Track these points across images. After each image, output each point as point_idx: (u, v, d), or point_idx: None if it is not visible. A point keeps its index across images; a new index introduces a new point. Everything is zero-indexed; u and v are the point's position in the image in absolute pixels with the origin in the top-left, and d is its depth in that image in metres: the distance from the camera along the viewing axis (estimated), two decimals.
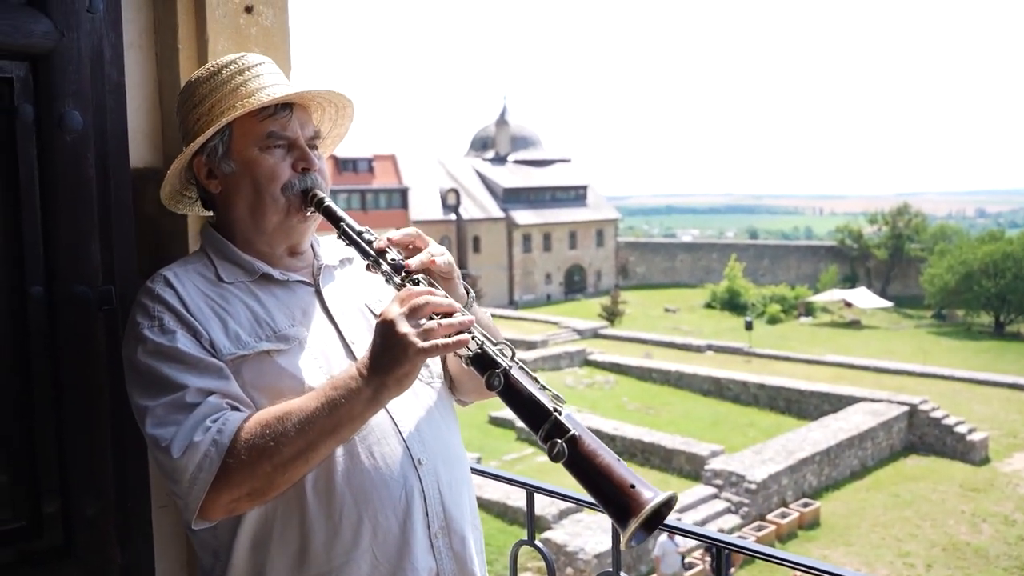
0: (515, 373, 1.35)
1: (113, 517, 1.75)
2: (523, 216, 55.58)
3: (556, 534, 15.33)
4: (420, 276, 1.46)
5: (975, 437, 22.13)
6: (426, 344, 1.31)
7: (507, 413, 23.72)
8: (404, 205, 49.87)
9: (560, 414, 1.31)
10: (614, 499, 1.26)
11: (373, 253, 1.51)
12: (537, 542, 2.04)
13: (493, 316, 1.95)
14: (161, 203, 1.71)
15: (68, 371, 1.69)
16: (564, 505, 16.52)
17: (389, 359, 1.32)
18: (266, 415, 1.38)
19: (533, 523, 2.11)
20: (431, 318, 1.35)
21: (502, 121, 61.51)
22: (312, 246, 1.69)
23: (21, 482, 1.68)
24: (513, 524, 15.77)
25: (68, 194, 1.67)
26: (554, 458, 1.28)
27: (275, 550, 1.44)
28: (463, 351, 1.36)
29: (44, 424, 1.69)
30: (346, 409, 1.34)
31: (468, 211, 53.32)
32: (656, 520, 1.27)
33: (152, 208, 1.88)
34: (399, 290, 1.42)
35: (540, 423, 1.31)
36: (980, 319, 44.44)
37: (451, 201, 52.75)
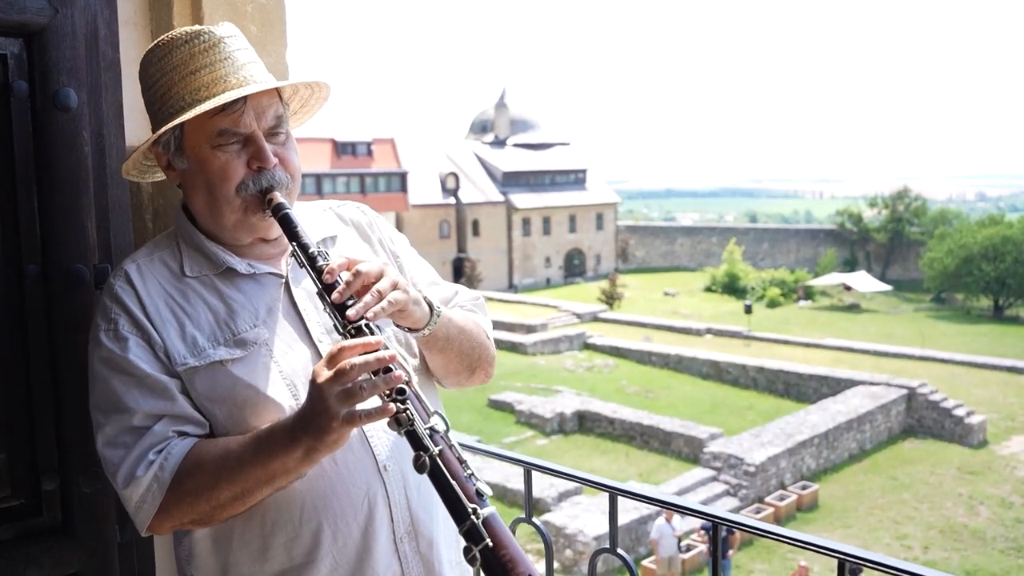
0: (443, 458, 1.27)
1: (112, 496, 1.75)
2: (522, 200, 55.47)
3: (555, 516, 15.39)
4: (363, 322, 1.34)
5: (973, 420, 22.19)
6: (348, 414, 1.26)
7: (507, 396, 23.78)
8: (403, 189, 49.74)
9: (478, 518, 1.24)
10: None
11: (319, 286, 1.38)
12: (535, 520, 2.04)
13: (492, 300, 1.87)
14: (159, 181, 1.69)
15: (65, 349, 1.69)
16: (563, 487, 16.58)
17: (316, 427, 1.28)
18: (206, 454, 1.38)
19: (531, 501, 2.11)
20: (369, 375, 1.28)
21: (501, 104, 61.24)
22: None
23: (20, 460, 1.69)
24: (512, 507, 15.80)
25: (63, 172, 1.67)
26: (469, 562, 1.25)
27: (236, 546, 1.46)
28: (401, 419, 1.28)
29: (42, 403, 1.69)
30: (280, 464, 1.32)
31: (467, 195, 53.20)
32: None
33: (148, 185, 1.88)
34: (341, 330, 1.34)
35: (462, 520, 1.25)
36: (979, 303, 44.49)
37: (450, 185, 52.62)
